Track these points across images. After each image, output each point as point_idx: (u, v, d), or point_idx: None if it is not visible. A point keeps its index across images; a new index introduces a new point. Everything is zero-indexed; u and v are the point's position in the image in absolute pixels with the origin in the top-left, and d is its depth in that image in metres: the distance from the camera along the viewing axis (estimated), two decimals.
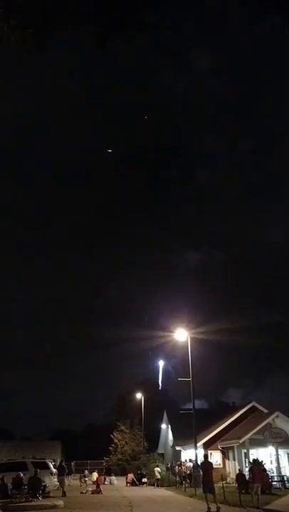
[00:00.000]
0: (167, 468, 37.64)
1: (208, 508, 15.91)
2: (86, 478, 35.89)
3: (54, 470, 24.79)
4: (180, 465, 35.01)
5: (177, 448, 41.47)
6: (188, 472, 30.57)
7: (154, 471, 34.30)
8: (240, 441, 31.61)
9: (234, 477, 27.31)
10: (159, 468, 35.06)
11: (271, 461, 30.33)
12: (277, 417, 31.61)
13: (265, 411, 35.38)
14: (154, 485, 32.90)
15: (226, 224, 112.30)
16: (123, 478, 38.48)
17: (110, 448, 52.02)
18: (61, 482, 24.36)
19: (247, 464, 28.43)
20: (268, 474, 24.20)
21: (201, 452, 31.40)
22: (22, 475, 20.93)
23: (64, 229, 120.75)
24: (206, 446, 36.01)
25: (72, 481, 36.10)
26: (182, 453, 40.53)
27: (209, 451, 35.30)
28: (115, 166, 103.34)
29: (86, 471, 38.83)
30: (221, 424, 37.44)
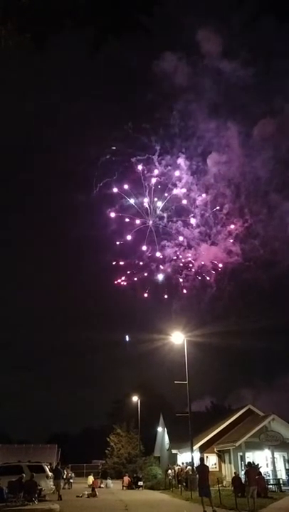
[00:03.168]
0: (167, 471, 37.53)
1: (204, 511, 15.91)
2: (71, 480, 36.25)
3: (50, 473, 24.73)
4: (181, 470, 34.71)
5: (173, 451, 41.41)
6: (185, 476, 30.57)
7: (168, 474, 34.44)
8: (236, 444, 31.62)
9: (230, 480, 27.29)
10: (170, 471, 34.94)
11: (267, 464, 30.36)
12: (273, 419, 31.66)
13: (261, 414, 35.41)
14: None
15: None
16: (119, 482, 38.39)
17: (106, 451, 51.97)
18: (57, 486, 24.29)
19: (243, 467, 28.43)
20: (263, 477, 24.23)
21: (197, 455, 31.37)
22: (24, 476, 20.90)
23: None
24: (202, 449, 35.98)
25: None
26: (178, 456, 40.48)
27: (205, 455, 35.30)
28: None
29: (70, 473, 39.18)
30: (217, 428, 37.42)
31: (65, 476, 37.08)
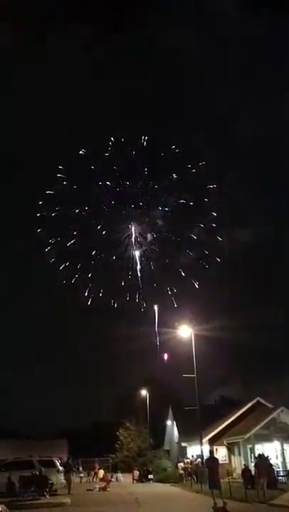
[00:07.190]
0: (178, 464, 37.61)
1: (215, 503, 15.94)
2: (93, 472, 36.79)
3: (61, 468, 24.92)
4: (191, 463, 34.63)
5: (183, 444, 41.51)
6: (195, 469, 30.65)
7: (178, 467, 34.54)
8: (246, 436, 31.67)
9: (240, 472, 27.37)
10: (182, 464, 35.04)
11: (277, 456, 30.37)
12: (282, 411, 31.62)
13: (270, 406, 35.39)
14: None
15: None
16: (129, 475, 38.69)
17: (116, 445, 52.24)
18: (68, 480, 24.49)
19: (253, 459, 28.48)
20: (273, 469, 24.25)
21: (206, 448, 31.42)
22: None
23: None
24: (212, 442, 36.01)
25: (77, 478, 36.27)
26: (188, 449, 40.57)
27: (215, 447, 35.20)
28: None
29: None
30: (227, 420, 37.46)
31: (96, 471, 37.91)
